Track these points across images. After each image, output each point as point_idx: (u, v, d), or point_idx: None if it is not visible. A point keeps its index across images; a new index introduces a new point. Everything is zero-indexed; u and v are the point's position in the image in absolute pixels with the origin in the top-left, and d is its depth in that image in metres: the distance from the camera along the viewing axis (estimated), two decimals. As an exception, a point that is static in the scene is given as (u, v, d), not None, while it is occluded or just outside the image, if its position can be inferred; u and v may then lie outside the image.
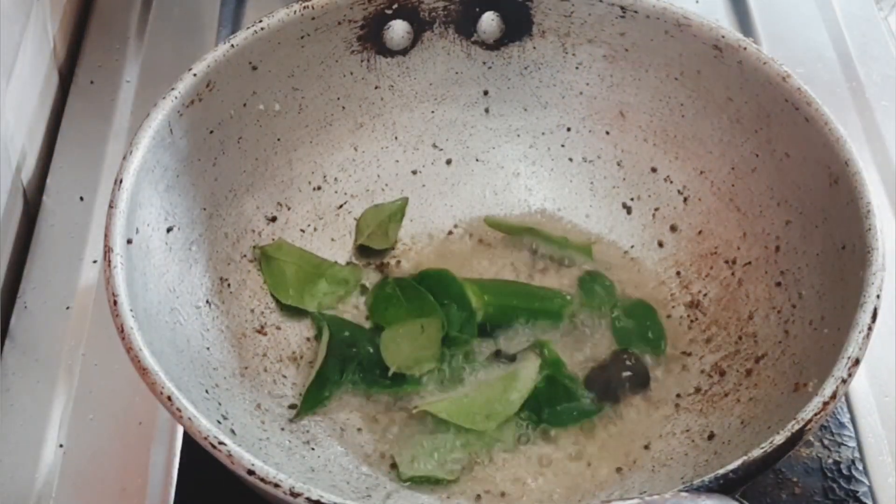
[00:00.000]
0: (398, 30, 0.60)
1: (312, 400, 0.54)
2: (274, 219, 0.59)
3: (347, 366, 0.55)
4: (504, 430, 0.54)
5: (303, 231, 0.60)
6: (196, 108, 0.54)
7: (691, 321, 0.58)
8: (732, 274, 0.57)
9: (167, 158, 0.52)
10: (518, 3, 0.60)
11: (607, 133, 0.62)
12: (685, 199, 0.60)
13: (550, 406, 0.54)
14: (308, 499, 0.40)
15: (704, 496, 0.39)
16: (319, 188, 0.61)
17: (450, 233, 0.62)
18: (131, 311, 0.45)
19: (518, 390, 0.54)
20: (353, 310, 0.59)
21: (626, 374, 0.56)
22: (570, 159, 0.63)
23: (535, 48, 0.61)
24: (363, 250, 0.61)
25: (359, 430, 0.54)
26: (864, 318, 0.45)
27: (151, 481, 0.54)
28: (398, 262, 0.61)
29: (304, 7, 0.57)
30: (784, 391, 0.50)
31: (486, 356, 0.56)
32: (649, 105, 0.60)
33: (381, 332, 0.57)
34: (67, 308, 0.62)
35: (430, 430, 0.54)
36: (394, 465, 0.53)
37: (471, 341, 0.57)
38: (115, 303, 0.45)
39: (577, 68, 0.61)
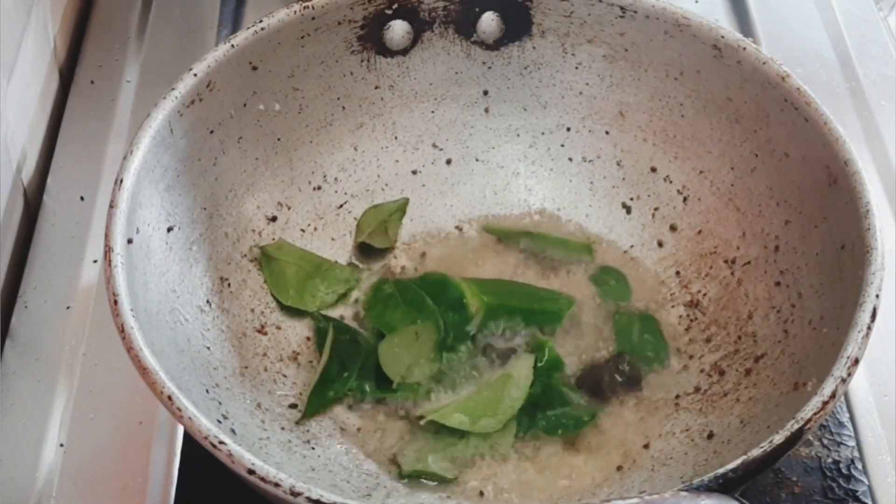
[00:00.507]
0: (398, 30, 0.60)
1: (317, 402, 0.54)
2: (274, 218, 0.59)
3: (349, 368, 0.55)
4: (505, 428, 0.54)
5: (303, 231, 0.60)
6: (196, 108, 0.54)
7: (691, 321, 0.58)
8: (732, 273, 0.57)
9: (167, 158, 0.52)
10: (518, 3, 0.60)
11: (607, 133, 0.62)
12: (685, 199, 0.60)
13: (544, 412, 0.54)
14: (308, 498, 0.40)
15: (704, 495, 0.39)
16: (319, 188, 0.61)
17: (451, 232, 0.62)
18: (132, 310, 0.46)
19: (517, 387, 0.54)
20: (353, 310, 0.59)
21: (619, 378, 0.55)
22: (570, 159, 0.63)
23: (534, 48, 0.61)
24: (364, 250, 0.61)
25: (359, 429, 0.54)
26: (864, 317, 0.45)
27: (152, 481, 0.54)
28: (398, 261, 0.61)
29: (304, 7, 0.57)
30: (783, 391, 0.50)
31: (484, 357, 0.56)
32: (649, 105, 0.60)
33: (380, 334, 0.57)
34: (68, 308, 0.62)
35: (431, 430, 0.54)
36: (394, 465, 0.53)
37: (467, 344, 0.57)
38: (116, 302, 0.46)
39: (576, 68, 0.61)
